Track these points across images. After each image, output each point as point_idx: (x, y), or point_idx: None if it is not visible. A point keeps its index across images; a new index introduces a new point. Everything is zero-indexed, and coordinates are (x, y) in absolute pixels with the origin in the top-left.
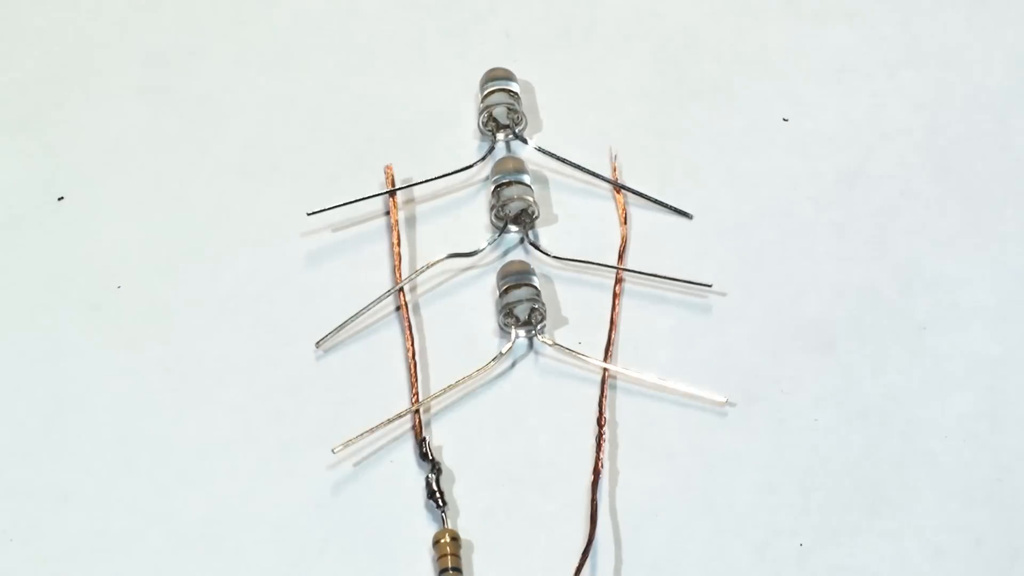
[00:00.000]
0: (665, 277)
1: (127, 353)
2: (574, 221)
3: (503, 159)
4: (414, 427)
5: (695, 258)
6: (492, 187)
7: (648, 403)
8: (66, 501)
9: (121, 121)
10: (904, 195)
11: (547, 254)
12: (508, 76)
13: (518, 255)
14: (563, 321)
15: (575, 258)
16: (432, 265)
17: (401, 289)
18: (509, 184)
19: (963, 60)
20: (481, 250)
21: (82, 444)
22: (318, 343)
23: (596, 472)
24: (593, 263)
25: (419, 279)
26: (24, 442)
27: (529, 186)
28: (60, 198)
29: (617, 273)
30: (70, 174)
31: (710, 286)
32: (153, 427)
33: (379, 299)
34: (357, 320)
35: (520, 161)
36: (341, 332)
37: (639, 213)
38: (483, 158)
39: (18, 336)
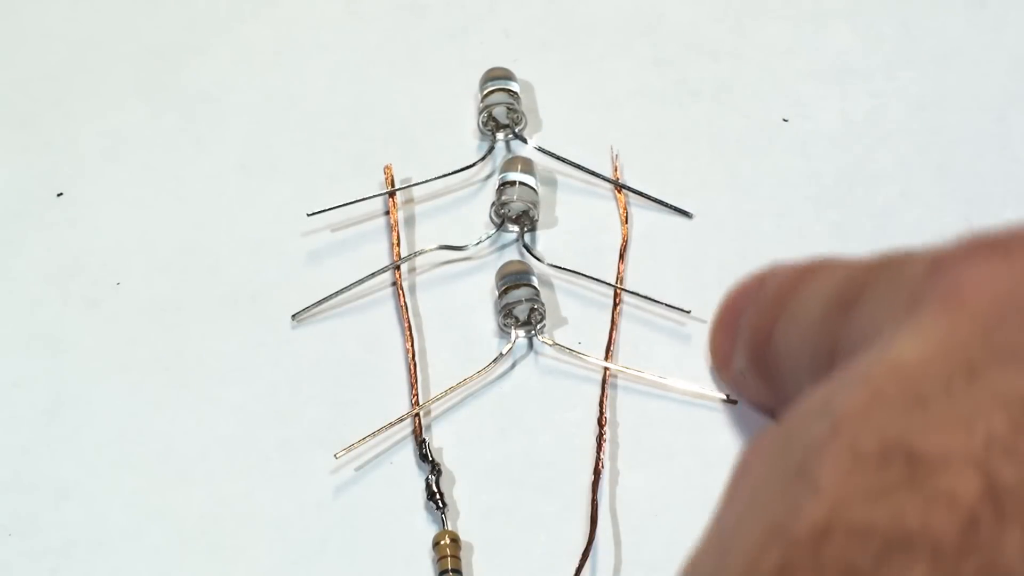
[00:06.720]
0: (647, 298)
1: (126, 350)
2: (574, 220)
3: (513, 158)
4: (414, 429)
5: (695, 257)
6: (498, 184)
7: (648, 403)
8: (65, 498)
9: (121, 118)
10: (904, 195)
11: (540, 260)
12: (508, 76)
13: (512, 256)
14: (563, 321)
15: (567, 267)
16: (420, 254)
17: (396, 284)
18: (514, 184)
19: (963, 60)
20: (472, 244)
21: (81, 441)
22: (294, 316)
23: (596, 472)
24: (582, 274)
25: (418, 280)
26: (22, 439)
27: (535, 189)
28: (59, 194)
29: (617, 274)
30: (69, 170)
31: (688, 312)
32: (152, 425)
33: (360, 280)
34: (357, 321)
35: (530, 162)
36: (341, 333)
37: (639, 212)
38: (483, 158)
39: (16, 332)
